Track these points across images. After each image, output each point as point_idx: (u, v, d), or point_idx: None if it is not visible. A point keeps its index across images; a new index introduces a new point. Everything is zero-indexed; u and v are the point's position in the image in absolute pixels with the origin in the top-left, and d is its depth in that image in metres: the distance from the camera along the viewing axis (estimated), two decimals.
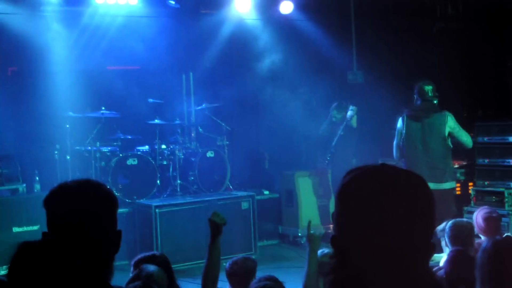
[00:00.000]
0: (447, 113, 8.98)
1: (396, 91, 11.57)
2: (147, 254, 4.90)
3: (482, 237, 5.95)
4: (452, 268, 4.81)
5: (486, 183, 10.92)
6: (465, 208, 10.78)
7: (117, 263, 2.61)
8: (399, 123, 9.03)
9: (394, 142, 9.12)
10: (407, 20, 13.15)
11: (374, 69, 12.70)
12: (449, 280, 4.75)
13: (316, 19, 12.68)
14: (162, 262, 4.60)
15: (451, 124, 8.92)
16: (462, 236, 5.94)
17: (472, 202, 10.88)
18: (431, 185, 8.53)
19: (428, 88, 8.99)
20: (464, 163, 11.51)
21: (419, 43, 13.32)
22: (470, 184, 11.22)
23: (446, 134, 8.89)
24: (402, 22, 13.14)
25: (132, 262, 4.70)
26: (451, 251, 5.32)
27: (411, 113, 8.98)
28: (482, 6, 12.34)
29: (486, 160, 11.00)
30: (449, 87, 13.18)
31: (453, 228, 6.00)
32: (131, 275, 4.28)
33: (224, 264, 5.55)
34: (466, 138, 9.10)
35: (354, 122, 11.32)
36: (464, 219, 6.44)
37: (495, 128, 10.96)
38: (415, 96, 9.07)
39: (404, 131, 8.93)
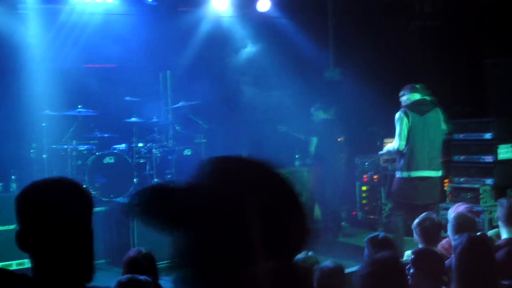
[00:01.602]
0: (441, 109, 9.46)
1: (374, 89, 11.63)
2: (134, 250, 5.01)
3: (450, 235, 5.98)
4: (420, 265, 4.85)
5: (461, 179, 11.00)
6: (441, 204, 10.86)
7: (98, 261, 2.61)
8: (403, 116, 9.22)
9: (400, 134, 9.23)
10: (385, 17, 13.21)
11: (351, 66, 12.75)
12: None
13: (294, 16, 12.72)
14: (148, 258, 4.69)
15: (445, 119, 9.46)
16: (430, 232, 6.00)
17: (447, 198, 10.96)
18: (432, 173, 9.11)
19: (422, 85, 9.46)
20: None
21: (396, 40, 13.38)
22: (446, 180, 11.29)
23: (444, 128, 9.42)
24: (380, 19, 13.19)
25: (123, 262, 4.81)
26: (417, 248, 5.37)
27: (412, 107, 9.28)
28: (460, 4, 12.41)
29: (462, 157, 11.08)
30: (426, 84, 13.28)
31: (422, 222, 6.07)
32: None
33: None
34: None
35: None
36: (434, 215, 6.46)
37: (471, 125, 11.05)
38: (406, 93, 9.37)
39: (410, 124, 9.19)
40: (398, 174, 9.37)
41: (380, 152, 10.44)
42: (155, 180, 10.99)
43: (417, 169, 9.20)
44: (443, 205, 10.68)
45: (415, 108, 9.29)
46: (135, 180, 10.83)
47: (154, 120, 11.45)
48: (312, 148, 11.43)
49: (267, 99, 12.05)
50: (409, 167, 9.20)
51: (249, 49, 12.35)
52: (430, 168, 9.22)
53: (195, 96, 11.70)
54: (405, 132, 9.20)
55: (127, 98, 11.31)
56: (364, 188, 12.21)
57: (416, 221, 6.10)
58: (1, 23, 10.62)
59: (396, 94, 11.26)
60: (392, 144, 9.45)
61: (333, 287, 4.87)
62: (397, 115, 9.28)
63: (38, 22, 11.04)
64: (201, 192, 1.68)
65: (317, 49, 12.82)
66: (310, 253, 5.41)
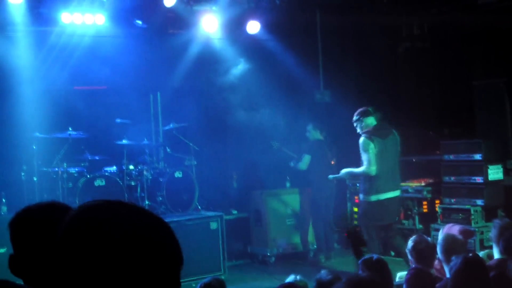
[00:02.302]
0: (397, 132, 9.96)
1: (376, 110, 11.68)
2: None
3: (440, 256, 5.98)
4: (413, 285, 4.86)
5: (452, 200, 11.02)
6: (432, 225, 10.88)
7: None
8: (369, 142, 9.51)
9: (370, 159, 9.39)
10: (373, 40, 13.29)
11: (341, 88, 12.81)
12: None
13: (283, 39, 12.75)
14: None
15: (400, 142, 9.98)
16: (425, 254, 5.99)
17: (439, 219, 10.98)
18: (396, 193, 9.39)
19: (374, 108, 9.89)
20: (431, 181, 11.62)
21: (385, 62, 13.47)
22: (437, 201, 11.32)
23: (399, 150, 9.96)
24: (368, 42, 13.27)
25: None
26: (411, 269, 5.36)
27: (375, 132, 9.60)
28: (447, 26, 12.49)
29: (452, 178, 11.12)
30: (415, 106, 13.36)
31: (417, 245, 6.06)
32: None
33: (194, 285, 5.56)
34: None
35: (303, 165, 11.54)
36: (429, 238, 6.48)
37: (461, 146, 11.11)
38: (363, 117, 9.69)
39: (376, 149, 9.47)
40: (365, 198, 9.62)
41: (334, 176, 10.55)
42: (146, 202, 10.95)
43: (384, 191, 9.53)
44: (435, 225, 10.71)
45: (377, 132, 9.61)
46: None
47: (145, 142, 11.42)
48: (304, 165, 11.46)
49: (257, 120, 12.05)
50: (377, 190, 9.50)
51: (239, 71, 12.37)
52: (393, 188, 9.67)
53: (185, 117, 11.70)
54: (374, 157, 9.46)
55: (118, 120, 11.29)
56: (355, 209, 12.22)
57: (411, 244, 6.10)
58: None
59: (385, 116, 11.34)
60: (361, 169, 9.65)
61: None
62: (363, 140, 9.55)
63: (28, 44, 11.02)
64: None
65: (307, 71, 12.86)
66: (298, 277, 5.41)
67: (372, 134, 9.54)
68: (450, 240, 6.03)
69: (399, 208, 10.06)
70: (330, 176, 10.54)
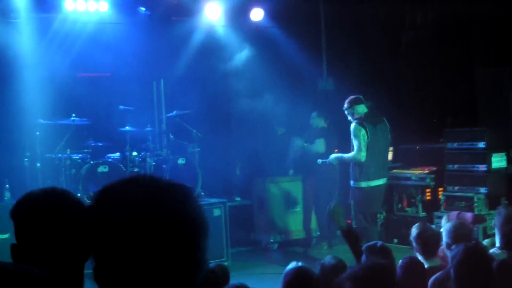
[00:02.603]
0: (386, 120, 9.98)
1: (367, 99, 11.65)
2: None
3: (446, 244, 5.96)
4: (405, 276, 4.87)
5: (455, 188, 11.03)
6: (435, 213, 10.88)
7: (86, 271, 2.59)
8: (361, 128, 9.53)
9: (361, 145, 9.42)
10: (376, 28, 13.25)
11: (344, 76, 12.78)
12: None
13: (287, 26, 12.73)
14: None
15: (389, 130, 10.01)
16: (430, 242, 5.98)
17: (442, 207, 10.98)
18: (384, 180, 9.39)
19: (367, 100, 10.01)
20: (434, 168, 11.62)
21: (388, 51, 13.44)
22: (440, 189, 11.32)
23: (389, 138, 10.04)
24: (372, 30, 13.24)
25: None
26: (404, 259, 5.37)
27: (366, 119, 9.64)
28: (450, 15, 12.45)
29: (456, 166, 11.11)
30: (419, 94, 13.35)
31: (422, 233, 6.05)
32: None
33: None
34: None
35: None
36: (434, 226, 6.48)
37: (465, 134, 11.10)
38: (354, 105, 9.73)
39: (367, 135, 9.49)
40: (355, 185, 9.64)
41: (323, 160, 10.50)
42: None
43: (374, 178, 9.57)
44: (438, 213, 10.71)
45: (368, 119, 9.63)
46: None
47: (148, 129, 11.43)
48: (322, 147, 11.38)
49: (260, 108, 12.04)
50: (368, 177, 9.52)
51: (243, 59, 12.35)
52: (383, 176, 9.72)
53: (189, 105, 11.69)
54: (365, 144, 9.47)
55: (121, 107, 11.30)
56: None
57: (416, 231, 6.08)
58: None
59: (389, 104, 11.36)
60: (351, 154, 9.67)
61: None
62: (354, 126, 9.58)
63: (31, 31, 11.02)
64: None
65: (310, 59, 12.83)
66: (300, 264, 5.40)
67: (363, 120, 9.57)
68: (459, 227, 6.02)
69: (383, 197, 10.04)
70: (319, 161, 10.52)
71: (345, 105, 9.79)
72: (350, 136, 9.72)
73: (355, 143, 9.52)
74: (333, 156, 10.14)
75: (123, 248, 1.64)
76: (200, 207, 1.76)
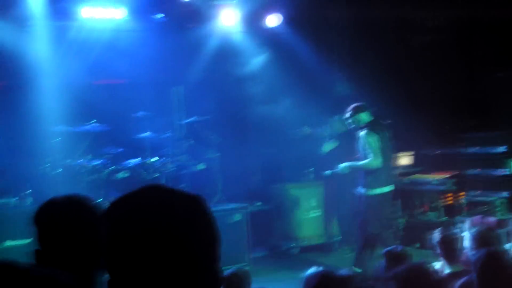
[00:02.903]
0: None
1: (382, 103, 11.62)
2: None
3: (470, 249, 5.91)
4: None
5: (477, 192, 10.96)
6: (457, 217, 10.82)
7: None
8: (374, 134, 9.47)
9: (376, 152, 9.34)
10: (392, 32, 13.21)
11: (361, 81, 12.73)
12: None
13: (303, 31, 12.71)
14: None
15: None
16: (453, 247, 5.94)
17: (463, 211, 10.92)
18: (392, 187, 9.29)
19: (369, 107, 9.86)
20: (454, 173, 11.56)
21: (404, 55, 13.39)
22: (461, 193, 11.26)
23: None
24: (387, 34, 13.20)
25: None
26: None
27: (374, 126, 9.59)
28: (463, 17, 12.40)
29: (477, 170, 11.05)
30: (433, 98, 13.27)
31: (445, 237, 6.00)
32: None
33: None
34: None
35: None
36: (455, 231, 6.42)
37: (485, 139, 11.05)
38: (360, 114, 9.61)
39: (379, 141, 9.47)
40: (369, 192, 9.48)
41: (333, 171, 10.38)
42: None
43: (386, 184, 9.52)
44: (459, 218, 10.65)
45: (376, 127, 9.58)
46: None
47: (168, 134, 11.46)
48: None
49: (279, 113, 12.03)
50: (380, 183, 9.45)
51: (259, 64, 12.36)
52: (392, 182, 9.69)
53: (208, 110, 11.70)
54: (379, 150, 9.43)
55: (140, 113, 11.33)
56: None
57: (439, 236, 6.04)
58: (12, 40, 10.66)
59: (403, 108, 11.29)
60: (366, 162, 9.48)
61: None
62: (366, 133, 9.47)
63: (48, 39, 11.07)
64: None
65: (326, 63, 12.81)
66: (320, 269, 5.37)
67: (372, 127, 9.52)
68: (485, 232, 5.97)
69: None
70: (328, 172, 10.40)
71: (349, 113, 9.69)
72: (353, 144, 9.68)
73: (369, 150, 9.40)
74: (344, 165, 9.88)
75: (135, 257, 1.65)
76: (212, 217, 1.77)
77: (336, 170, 10.09)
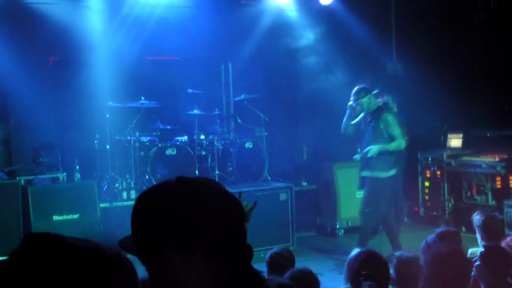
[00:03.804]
0: None
1: (436, 83, 11.47)
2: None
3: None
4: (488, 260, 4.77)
5: None
6: (506, 202, 10.66)
7: None
8: (395, 116, 9.40)
9: (401, 133, 9.30)
10: (448, 11, 12.99)
11: (414, 60, 12.58)
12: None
13: (356, 9, 12.60)
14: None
15: None
16: (495, 230, 5.86)
17: None
18: (399, 168, 9.48)
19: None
20: (505, 156, 11.37)
21: (460, 34, 13.15)
22: (511, 177, 11.07)
23: None
24: (443, 13, 12.98)
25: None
26: (488, 244, 5.25)
27: (389, 109, 9.75)
28: None
29: None
30: (489, 79, 13.04)
31: (488, 220, 5.92)
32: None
33: (262, 255, 5.61)
34: None
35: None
36: (503, 215, 6.35)
37: None
38: (372, 95, 9.42)
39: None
40: (385, 175, 9.25)
41: (362, 154, 10.00)
42: (217, 172, 11.02)
43: (399, 164, 9.62)
44: (508, 202, 10.49)
45: (390, 109, 9.65)
46: (196, 172, 10.88)
47: (216, 112, 11.49)
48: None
49: (328, 92, 11.93)
50: (395, 164, 9.33)
51: (311, 42, 12.27)
52: (400, 164, 9.90)
53: (256, 88, 11.70)
54: (402, 130, 9.35)
55: (189, 90, 11.38)
56: (427, 183, 12.04)
57: (481, 219, 5.96)
58: (66, 16, 10.79)
59: (460, 89, 11.10)
60: (396, 143, 9.22)
61: (410, 276, 4.80)
62: (391, 114, 9.32)
63: (102, 15, 11.17)
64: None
65: (379, 43, 12.68)
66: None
67: (389, 109, 9.55)
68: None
69: None
70: (357, 156, 9.92)
71: (360, 94, 9.33)
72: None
73: (395, 131, 9.19)
74: (375, 148, 9.25)
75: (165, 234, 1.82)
76: (234, 197, 1.93)
77: (365, 153, 9.42)
